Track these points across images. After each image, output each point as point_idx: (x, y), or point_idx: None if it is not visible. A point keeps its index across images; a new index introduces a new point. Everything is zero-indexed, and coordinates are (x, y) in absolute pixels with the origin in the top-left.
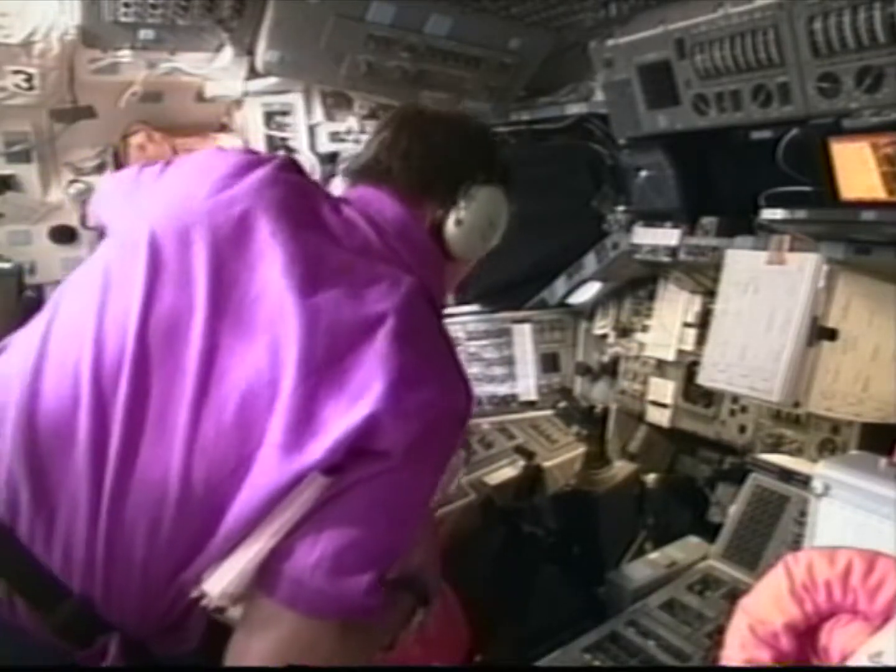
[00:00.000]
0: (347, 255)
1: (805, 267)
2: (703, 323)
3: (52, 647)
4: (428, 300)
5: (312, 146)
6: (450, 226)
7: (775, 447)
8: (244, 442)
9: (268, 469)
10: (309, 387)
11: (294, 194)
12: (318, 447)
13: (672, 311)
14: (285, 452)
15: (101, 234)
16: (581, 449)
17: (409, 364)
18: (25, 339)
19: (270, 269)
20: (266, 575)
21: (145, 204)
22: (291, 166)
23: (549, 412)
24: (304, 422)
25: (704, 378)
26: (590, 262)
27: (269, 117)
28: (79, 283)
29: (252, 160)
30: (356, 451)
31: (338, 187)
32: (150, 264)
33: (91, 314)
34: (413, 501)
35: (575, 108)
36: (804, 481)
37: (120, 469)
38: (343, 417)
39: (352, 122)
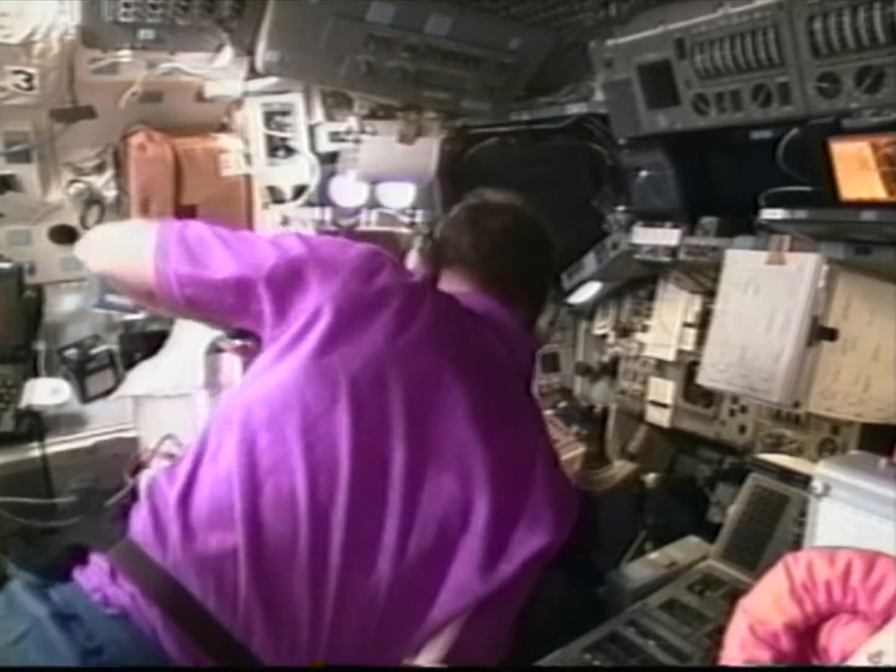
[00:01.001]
0: (498, 384)
1: (805, 267)
2: (703, 323)
3: None
4: None
5: (312, 146)
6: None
7: (775, 447)
8: (442, 559)
9: (468, 585)
10: (498, 518)
11: (454, 325)
12: (509, 567)
13: (672, 311)
14: (483, 573)
15: None
16: (581, 449)
17: (561, 487)
18: (218, 462)
19: (456, 408)
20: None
21: (330, 313)
22: (434, 285)
23: (549, 412)
24: (496, 547)
25: (704, 378)
26: (590, 262)
27: (269, 117)
28: (272, 409)
29: (416, 288)
30: None
31: (446, 279)
32: (352, 408)
33: (298, 450)
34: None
35: (575, 108)
36: (804, 481)
37: (338, 591)
38: (526, 543)
39: (352, 122)
